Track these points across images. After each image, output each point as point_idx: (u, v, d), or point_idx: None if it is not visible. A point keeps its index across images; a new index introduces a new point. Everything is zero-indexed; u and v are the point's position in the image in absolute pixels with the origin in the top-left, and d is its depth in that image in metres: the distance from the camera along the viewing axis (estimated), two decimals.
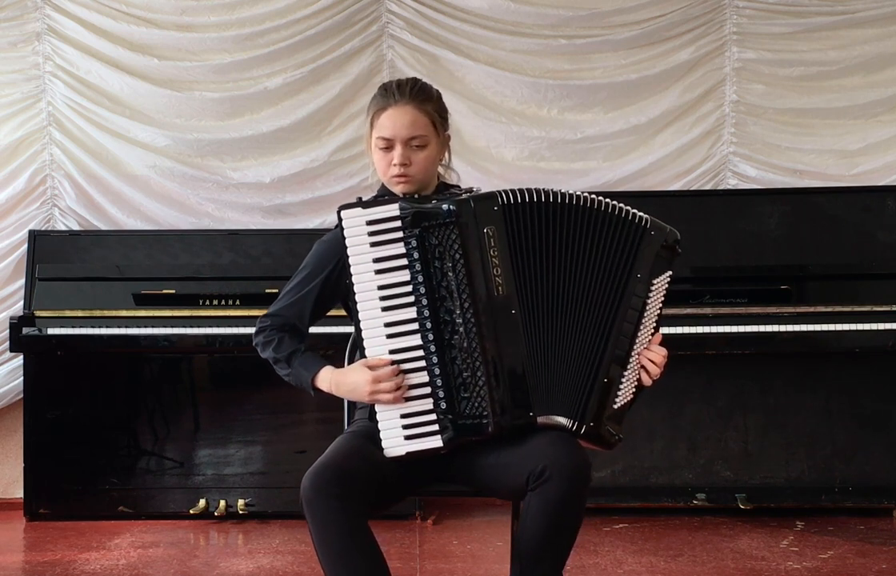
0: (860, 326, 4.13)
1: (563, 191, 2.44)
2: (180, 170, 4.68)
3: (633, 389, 2.48)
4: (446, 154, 2.66)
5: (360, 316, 2.40)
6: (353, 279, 2.39)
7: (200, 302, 4.33)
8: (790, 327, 4.14)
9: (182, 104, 4.68)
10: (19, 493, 4.53)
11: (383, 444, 2.40)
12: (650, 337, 2.49)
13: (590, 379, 2.42)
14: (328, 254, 2.59)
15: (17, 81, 4.67)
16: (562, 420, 2.42)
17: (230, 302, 4.31)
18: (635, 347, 2.45)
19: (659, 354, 2.48)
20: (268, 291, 4.26)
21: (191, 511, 4.36)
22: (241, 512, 4.33)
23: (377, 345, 2.40)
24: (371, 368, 2.40)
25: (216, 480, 4.46)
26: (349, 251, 2.40)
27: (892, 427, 4.37)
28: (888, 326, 4.13)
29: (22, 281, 4.53)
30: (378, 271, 2.39)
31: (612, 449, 2.48)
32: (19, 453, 4.53)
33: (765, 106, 4.69)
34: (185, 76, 4.68)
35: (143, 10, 4.66)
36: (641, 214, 2.46)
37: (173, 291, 4.34)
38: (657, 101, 4.72)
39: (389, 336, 2.39)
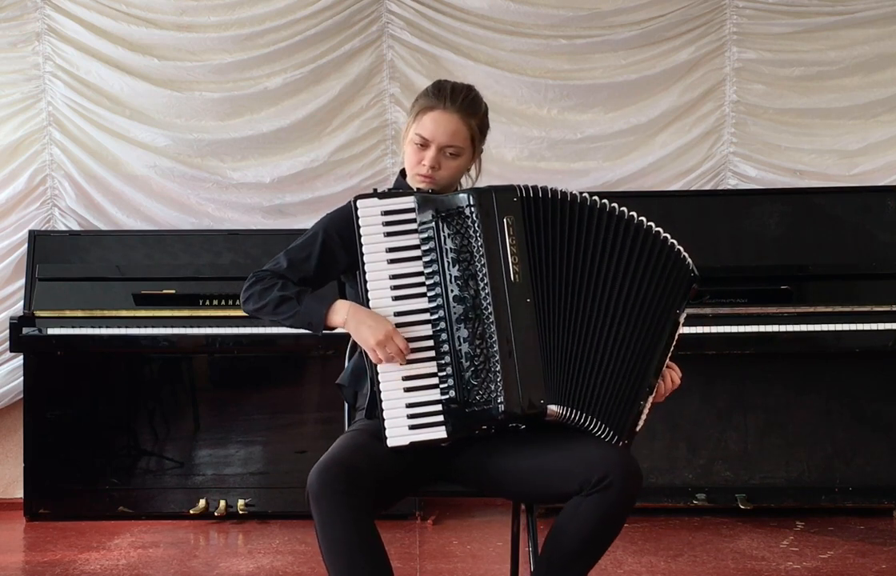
0: (860, 326, 4.13)
1: (593, 197, 2.43)
2: (180, 170, 4.68)
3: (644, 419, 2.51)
4: (474, 167, 2.66)
5: (371, 305, 2.40)
6: (366, 268, 2.40)
7: (200, 302, 4.33)
8: (790, 328, 4.14)
9: (182, 104, 4.68)
10: (19, 493, 4.53)
11: (387, 434, 2.38)
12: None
13: (630, 398, 2.42)
14: (331, 226, 2.58)
15: (17, 81, 4.66)
16: (595, 428, 2.40)
17: (230, 302, 4.30)
18: (658, 380, 2.48)
19: (676, 372, 2.52)
20: None
21: (191, 511, 4.36)
22: (241, 512, 4.33)
23: None
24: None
25: (216, 480, 4.45)
26: (363, 240, 2.40)
27: (892, 427, 4.37)
28: (888, 326, 4.13)
29: (22, 281, 4.53)
30: (391, 261, 2.40)
31: None
32: (19, 453, 4.53)
33: (765, 106, 4.69)
34: (185, 76, 4.68)
35: (143, 10, 4.66)
36: (686, 256, 2.46)
37: (173, 292, 4.34)
38: (657, 101, 4.71)
39: (399, 326, 2.39)
